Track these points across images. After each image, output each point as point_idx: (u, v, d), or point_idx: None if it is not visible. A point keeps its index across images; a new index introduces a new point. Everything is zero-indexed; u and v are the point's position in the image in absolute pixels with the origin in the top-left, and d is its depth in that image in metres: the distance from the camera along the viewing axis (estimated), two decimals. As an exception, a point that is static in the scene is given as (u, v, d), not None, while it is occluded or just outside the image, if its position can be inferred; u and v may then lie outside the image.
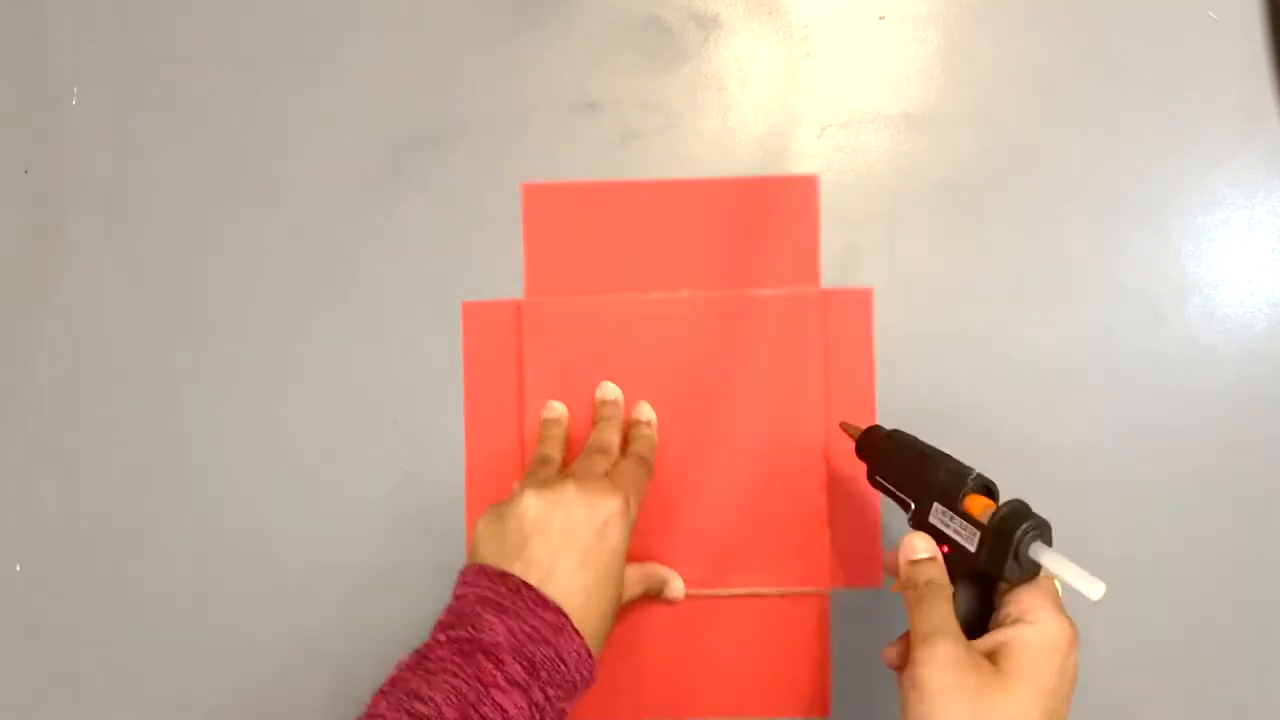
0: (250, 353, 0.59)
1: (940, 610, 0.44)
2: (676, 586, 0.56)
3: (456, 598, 0.47)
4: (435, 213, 0.59)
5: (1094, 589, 0.41)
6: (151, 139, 0.60)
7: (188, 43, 0.60)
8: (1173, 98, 0.58)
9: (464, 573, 0.48)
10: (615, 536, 0.48)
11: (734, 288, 0.58)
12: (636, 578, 0.54)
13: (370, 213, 0.59)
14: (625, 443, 0.56)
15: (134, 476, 0.58)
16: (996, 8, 0.59)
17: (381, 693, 0.44)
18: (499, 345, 0.58)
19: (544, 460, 0.54)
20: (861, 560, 0.57)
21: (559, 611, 0.46)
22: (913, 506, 0.48)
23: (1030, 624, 0.43)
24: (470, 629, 0.45)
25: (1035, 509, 0.44)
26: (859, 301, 0.58)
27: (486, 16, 0.60)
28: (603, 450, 0.53)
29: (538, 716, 0.44)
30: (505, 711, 0.43)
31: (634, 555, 0.52)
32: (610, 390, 0.57)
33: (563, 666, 0.45)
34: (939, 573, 0.45)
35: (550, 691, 0.44)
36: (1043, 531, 0.44)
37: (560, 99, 0.59)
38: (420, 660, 0.45)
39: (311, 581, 0.58)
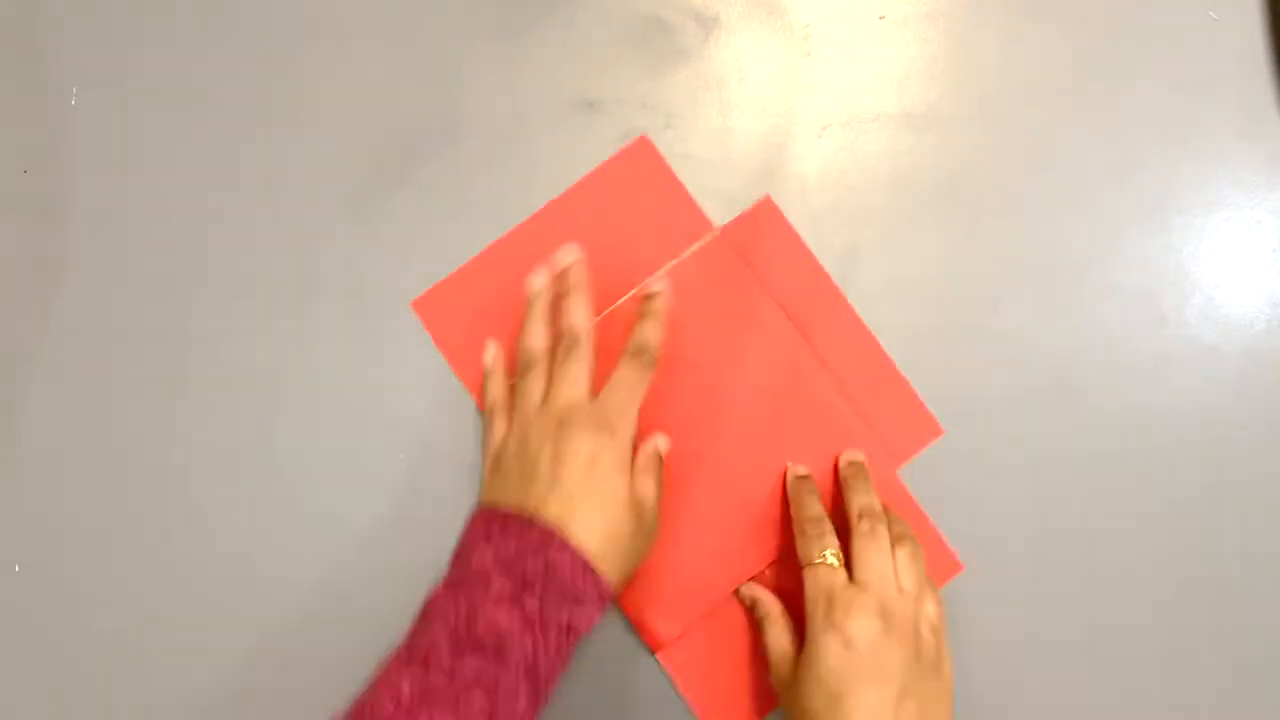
0: (250, 353, 0.58)
1: None
2: (662, 441, 0.53)
3: (458, 544, 0.49)
4: (437, 212, 0.59)
5: None
6: (151, 139, 0.60)
7: (188, 43, 0.60)
8: (1173, 98, 0.58)
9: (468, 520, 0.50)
10: (605, 462, 0.48)
11: (652, 273, 0.57)
12: (640, 470, 0.51)
13: (370, 213, 0.59)
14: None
15: (134, 476, 0.58)
16: (997, 7, 0.59)
17: (393, 654, 0.46)
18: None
19: (529, 365, 0.52)
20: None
21: (546, 527, 0.46)
22: None
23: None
24: (460, 565, 0.47)
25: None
26: (766, 214, 0.57)
27: (486, 16, 0.60)
28: (573, 347, 0.51)
29: (536, 626, 0.45)
30: (498, 626, 0.44)
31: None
32: (568, 254, 0.53)
33: (556, 577, 0.45)
34: None
35: (547, 602, 0.45)
36: None
37: (560, 99, 0.59)
38: (421, 612, 0.47)
39: (314, 581, 0.58)
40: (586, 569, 0.46)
